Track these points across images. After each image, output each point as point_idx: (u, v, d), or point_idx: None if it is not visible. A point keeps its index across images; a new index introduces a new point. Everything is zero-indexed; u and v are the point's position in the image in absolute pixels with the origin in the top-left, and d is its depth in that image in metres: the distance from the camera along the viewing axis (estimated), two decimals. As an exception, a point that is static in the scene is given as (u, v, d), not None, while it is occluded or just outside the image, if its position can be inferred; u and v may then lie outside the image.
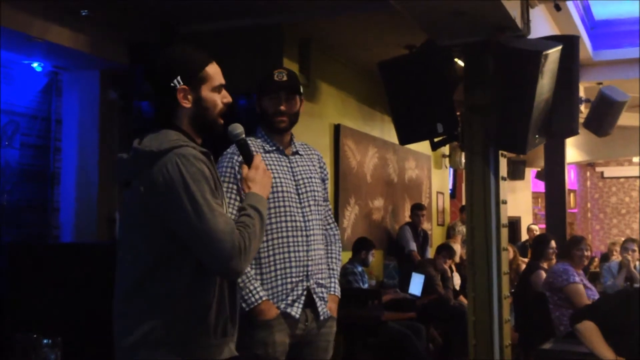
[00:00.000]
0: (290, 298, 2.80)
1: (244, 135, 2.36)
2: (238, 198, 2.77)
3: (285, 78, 2.91)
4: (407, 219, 8.46)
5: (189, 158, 2.03)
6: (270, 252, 2.81)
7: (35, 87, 5.69)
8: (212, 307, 2.08)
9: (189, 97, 2.14)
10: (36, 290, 4.57)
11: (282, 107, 2.89)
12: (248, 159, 2.31)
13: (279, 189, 2.83)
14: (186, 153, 2.04)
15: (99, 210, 5.78)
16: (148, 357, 2.02)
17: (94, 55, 5.46)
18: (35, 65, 5.59)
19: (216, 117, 2.19)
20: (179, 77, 2.13)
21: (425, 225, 8.69)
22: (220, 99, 2.20)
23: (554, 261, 6.19)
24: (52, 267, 4.62)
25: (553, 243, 6.33)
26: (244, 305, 2.70)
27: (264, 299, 2.76)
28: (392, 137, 7.91)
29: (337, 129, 7.09)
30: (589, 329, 3.91)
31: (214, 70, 2.19)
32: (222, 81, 2.21)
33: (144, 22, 5.73)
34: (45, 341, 2.97)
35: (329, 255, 3.00)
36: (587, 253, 5.58)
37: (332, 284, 2.97)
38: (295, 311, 2.80)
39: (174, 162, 2.02)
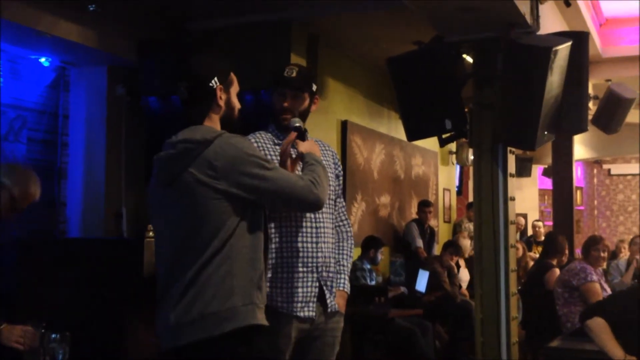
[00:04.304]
0: (300, 296, 2.79)
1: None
2: None
3: (293, 75, 2.88)
4: (414, 216, 8.45)
5: (238, 137, 2.31)
6: (278, 243, 2.80)
7: (42, 82, 5.68)
8: (265, 270, 2.38)
9: (222, 97, 2.40)
10: (43, 285, 4.57)
11: (285, 104, 2.88)
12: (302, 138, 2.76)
13: None
14: (233, 135, 2.31)
15: (107, 205, 5.77)
16: (214, 323, 2.22)
17: (102, 51, 5.46)
18: (42, 60, 5.58)
19: (236, 120, 2.46)
20: (216, 78, 2.38)
21: (432, 222, 8.67)
22: (238, 104, 2.47)
23: (565, 259, 6.17)
24: (59, 263, 4.61)
25: (565, 241, 6.31)
26: None
27: None
28: (399, 133, 7.91)
29: (344, 125, 7.08)
30: (600, 326, 3.89)
31: (234, 77, 2.46)
32: (239, 88, 2.48)
33: (152, 18, 5.72)
34: (53, 336, 2.97)
35: (340, 251, 3.00)
36: (604, 254, 5.55)
37: (342, 280, 2.97)
38: (308, 311, 2.81)
39: (226, 142, 2.27)
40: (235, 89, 2.46)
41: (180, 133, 2.32)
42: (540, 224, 10.60)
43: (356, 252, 6.75)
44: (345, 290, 2.97)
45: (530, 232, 11.15)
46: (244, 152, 2.28)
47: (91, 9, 5.11)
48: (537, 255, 8.92)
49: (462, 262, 7.56)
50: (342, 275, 2.97)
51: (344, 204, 3.10)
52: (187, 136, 2.29)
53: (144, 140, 5.79)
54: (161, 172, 2.33)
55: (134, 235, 5.62)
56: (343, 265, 2.98)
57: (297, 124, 2.79)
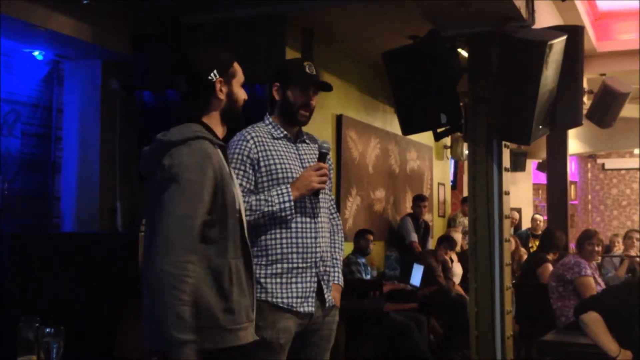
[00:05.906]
0: (300, 292, 2.80)
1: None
2: (244, 182, 2.78)
3: (315, 72, 2.90)
4: (409, 210, 8.46)
5: (195, 151, 2.16)
6: (278, 239, 2.80)
7: (36, 76, 5.66)
8: (233, 291, 2.20)
9: (223, 89, 2.32)
10: (37, 280, 4.56)
11: (313, 102, 2.90)
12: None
13: (287, 174, 2.83)
14: (196, 147, 2.17)
15: (101, 200, 5.76)
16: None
17: (96, 45, 5.43)
18: (36, 53, 5.56)
19: (240, 111, 2.40)
20: (215, 71, 2.30)
21: (427, 217, 8.68)
22: (243, 95, 2.40)
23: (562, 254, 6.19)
24: (53, 257, 4.61)
25: (563, 237, 6.33)
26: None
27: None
28: (393, 127, 7.91)
29: (339, 120, 7.07)
30: (594, 320, 3.90)
31: (238, 67, 2.39)
32: (243, 78, 2.41)
33: (146, 12, 5.70)
34: (47, 330, 2.96)
35: (333, 245, 3.01)
36: (598, 248, 5.56)
37: (336, 273, 2.98)
38: (308, 307, 2.81)
39: (178, 152, 2.16)
40: (239, 79, 2.39)
41: (170, 130, 2.26)
42: (540, 217, 10.62)
43: (348, 246, 6.75)
44: (340, 283, 2.99)
45: (528, 225, 11.16)
46: (182, 170, 2.13)
47: (85, 2, 5.08)
48: (532, 249, 8.96)
49: (454, 256, 7.58)
50: (337, 269, 2.99)
51: (332, 197, 3.11)
52: (167, 136, 2.22)
53: (138, 135, 5.77)
54: (142, 167, 2.33)
55: (128, 230, 5.61)
56: (336, 259, 3.00)
57: (325, 151, 2.86)
